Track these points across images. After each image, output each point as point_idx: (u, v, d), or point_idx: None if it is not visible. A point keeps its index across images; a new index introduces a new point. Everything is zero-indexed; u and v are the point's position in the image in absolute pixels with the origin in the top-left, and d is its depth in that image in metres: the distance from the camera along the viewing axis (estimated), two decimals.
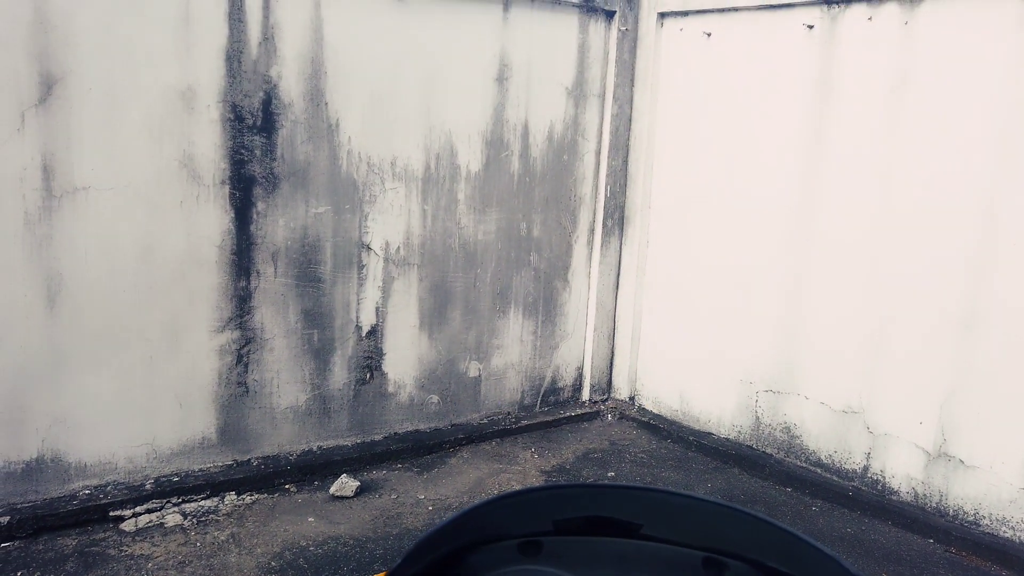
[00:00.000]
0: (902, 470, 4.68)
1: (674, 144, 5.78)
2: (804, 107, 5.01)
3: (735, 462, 5.31)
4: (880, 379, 4.74)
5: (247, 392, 4.70)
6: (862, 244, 4.78)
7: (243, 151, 4.47)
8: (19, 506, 4.05)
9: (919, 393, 4.57)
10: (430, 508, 4.54)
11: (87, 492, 4.24)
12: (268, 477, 4.63)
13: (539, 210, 5.68)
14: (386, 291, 5.13)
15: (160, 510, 4.24)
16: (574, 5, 5.57)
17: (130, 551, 3.89)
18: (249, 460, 4.73)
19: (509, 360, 5.76)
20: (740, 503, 4.44)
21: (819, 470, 5.04)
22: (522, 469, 5.13)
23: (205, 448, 4.61)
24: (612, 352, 6.23)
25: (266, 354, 4.73)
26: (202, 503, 4.36)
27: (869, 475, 4.83)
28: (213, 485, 4.45)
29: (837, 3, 4.81)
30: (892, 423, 4.70)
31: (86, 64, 3.98)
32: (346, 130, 4.79)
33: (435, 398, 5.47)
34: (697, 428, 5.72)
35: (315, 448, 4.97)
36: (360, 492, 4.61)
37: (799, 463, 5.15)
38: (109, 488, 4.29)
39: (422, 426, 5.41)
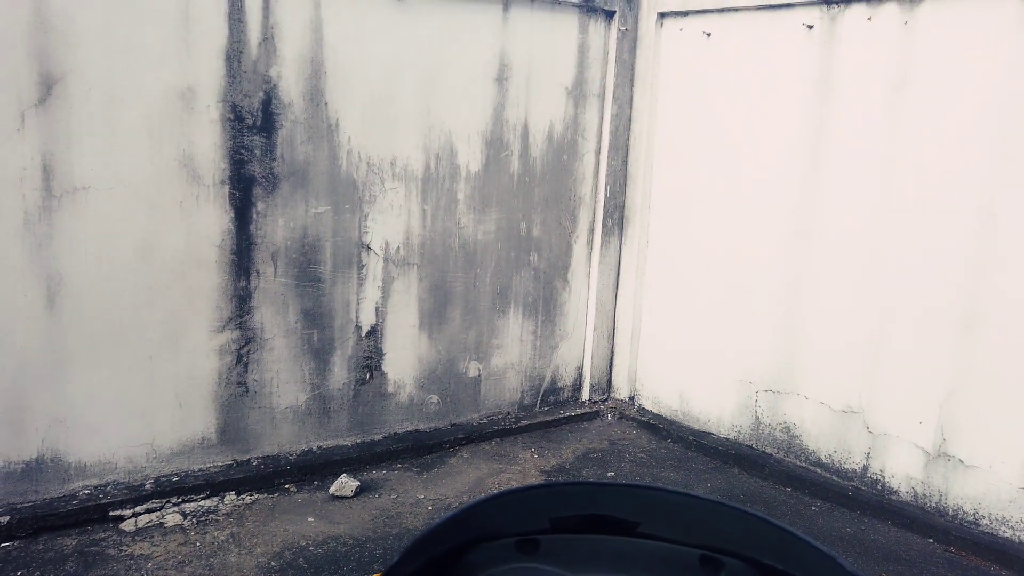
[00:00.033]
0: (902, 470, 4.68)
1: (674, 144, 5.78)
2: (804, 107, 5.01)
3: (735, 462, 5.31)
4: (880, 379, 4.74)
5: (247, 392, 4.71)
6: (861, 244, 4.78)
7: (243, 151, 4.48)
8: (19, 506, 4.05)
9: (919, 393, 4.57)
10: (430, 508, 4.54)
11: (87, 492, 4.24)
12: (268, 477, 4.64)
13: (539, 210, 5.69)
14: (386, 291, 5.13)
15: (160, 510, 4.24)
16: (574, 5, 5.57)
17: (130, 551, 3.89)
18: (249, 460, 4.74)
19: (509, 360, 5.76)
20: (740, 503, 4.45)
21: (819, 470, 5.04)
22: (522, 469, 5.13)
23: (205, 448, 4.61)
24: (612, 352, 6.23)
25: (266, 354, 4.73)
26: (202, 503, 4.36)
27: (869, 475, 4.83)
28: (213, 485, 4.45)
29: (837, 3, 4.81)
30: (892, 423, 4.71)
31: (86, 64, 3.98)
32: (346, 130, 4.79)
33: (435, 398, 5.47)
34: (697, 428, 5.72)
35: (315, 448, 4.97)
36: (360, 492, 4.61)
37: (799, 463, 5.15)
38: (109, 488, 4.29)
39: (422, 426, 5.41)
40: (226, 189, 4.45)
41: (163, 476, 4.46)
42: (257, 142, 4.51)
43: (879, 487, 4.78)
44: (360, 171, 4.89)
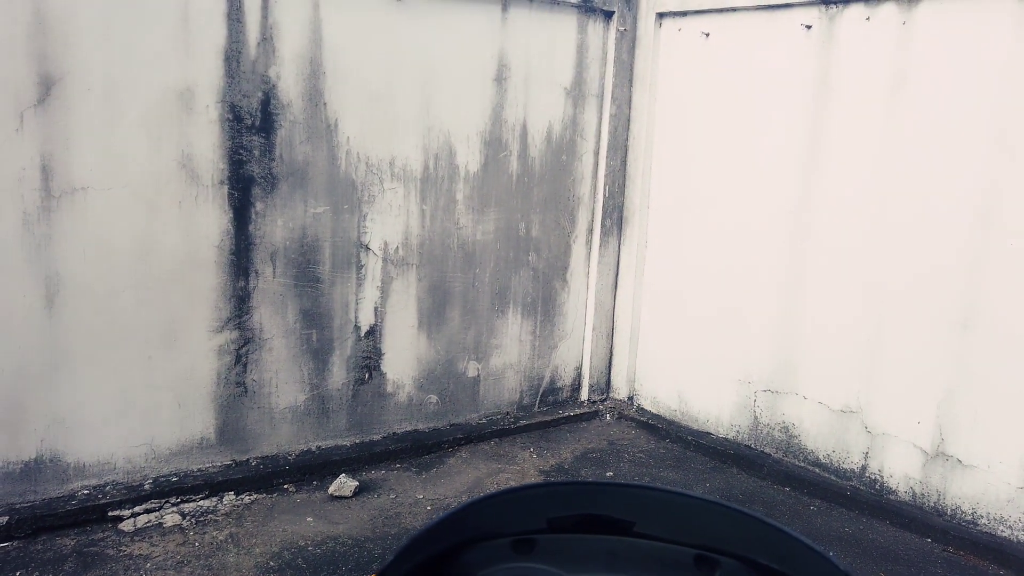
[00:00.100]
0: (900, 470, 4.69)
1: (672, 144, 5.78)
2: (802, 107, 5.01)
3: (733, 462, 5.31)
4: (878, 379, 4.74)
5: (246, 392, 4.71)
6: (860, 243, 4.79)
7: (242, 151, 4.48)
8: (18, 506, 4.05)
9: (917, 393, 4.58)
10: (428, 508, 4.55)
11: (86, 492, 4.24)
12: (267, 477, 4.64)
13: (538, 210, 5.69)
14: (385, 291, 5.13)
15: (159, 510, 4.24)
16: (572, 5, 5.58)
17: (129, 551, 3.90)
18: (248, 460, 4.74)
19: (508, 360, 5.77)
20: (738, 502, 4.45)
21: (817, 470, 5.05)
22: (521, 469, 5.13)
23: (204, 448, 4.62)
24: (611, 352, 6.24)
25: (265, 354, 4.73)
26: (201, 503, 4.37)
27: (867, 474, 4.83)
28: (212, 485, 4.46)
29: (835, 3, 4.82)
30: (890, 423, 4.71)
31: (85, 64, 3.98)
32: (345, 130, 4.79)
33: (434, 398, 5.48)
34: (696, 428, 5.72)
35: (314, 448, 4.97)
36: (359, 492, 4.62)
37: (797, 463, 5.15)
38: (108, 488, 4.30)
39: (421, 426, 5.42)
40: (225, 189, 4.46)
41: (162, 476, 4.46)
42: (256, 142, 4.52)
43: (877, 487, 4.78)
44: (359, 171, 4.89)
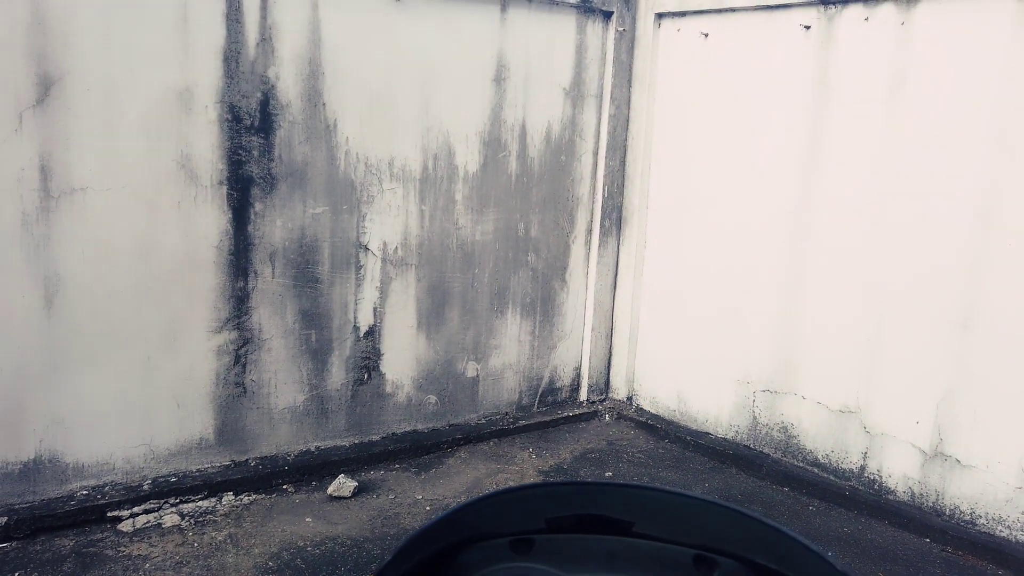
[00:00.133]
0: (899, 470, 4.69)
1: (671, 144, 5.79)
2: (801, 108, 5.01)
3: (732, 462, 5.32)
4: (877, 379, 4.75)
5: (245, 392, 4.71)
6: (859, 243, 4.79)
7: (241, 152, 4.48)
8: (16, 507, 4.05)
9: (916, 393, 4.58)
10: (428, 508, 4.54)
11: (85, 493, 4.24)
12: (266, 477, 4.64)
13: (537, 211, 5.69)
14: (384, 291, 5.13)
15: (158, 511, 4.24)
16: (572, 6, 5.58)
17: (128, 551, 3.90)
18: (247, 460, 4.74)
19: (507, 360, 5.77)
20: (737, 503, 4.45)
21: (816, 470, 5.05)
22: (520, 469, 5.14)
23: (203, 449, 4.62)
24: (610, 352, 6.24)
25: (264, 354, 4.73)
26: (200, 503, 4.37)
27: (866, 475, 4.83)
28: (211, 486, 4.46)
29: (834, 4, 4.82)
30: (889, 423, 4.71)
31: (84, 65, 3.98)
32: (344, 130, 4.79)
33: (433, 398, 5.48)
34: (695, 428, 5.73)
35: (313, 448, 4.97)
36: (358, 492, 4.62)
37: (796, 463, 5.16)
38: (107, 489, 4.29)
39: (420, 426, 5.42)
40: (224, 190, 4.46)
41: (161, 477, 4.46)
42: (255, 143, 4.52)
43: (876, 487, 4.79)
44: (358, 172, 4.89)
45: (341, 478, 4.65)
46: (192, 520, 4.22)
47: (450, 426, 5.52)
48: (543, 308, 5.88)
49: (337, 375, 5.04)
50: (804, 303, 5.08)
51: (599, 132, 5.89)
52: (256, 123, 4.50)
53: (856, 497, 4.74)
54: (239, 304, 4.61)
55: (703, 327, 5.64)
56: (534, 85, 5.50)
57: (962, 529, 4.38)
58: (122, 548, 3.92)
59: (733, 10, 5.31)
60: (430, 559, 1.11)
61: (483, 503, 1.17)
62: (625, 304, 6.11)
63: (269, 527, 4.21)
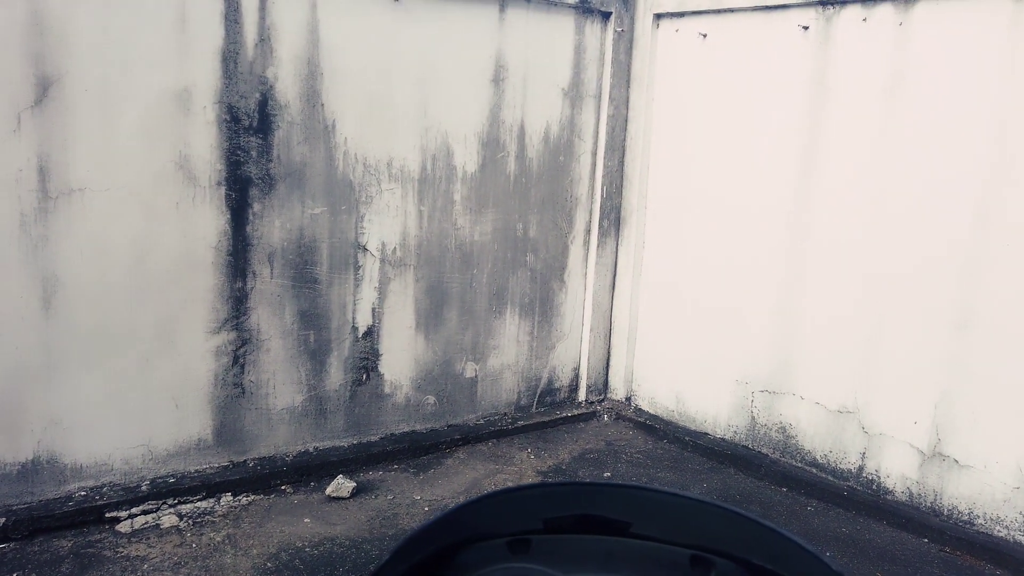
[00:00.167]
0: (897, 470, 4.69)
1: (670, 145, 5.79)
2: (799, 108, 5.02)
3: (731, 462, 5.32)
4: (875, 379, 4.75)
5: (243, 393, 4.71)
6: (857, 244, 4.79)
7: (239, 152, 4.48)
8: (14, 507, 4.05)
9: (914, 393, 4.58)
10: (426, 509, 4.54)
11: (83, 493, 4.24)
12: (264, 478, 4.64)
13: (535, 211, 5.69)
14: (382, 292, 5.13)
15: (156, 511, 4.24)
16: (570, 6, 5.58)
17: (126, 552, 3.89)
18: (245, 461, 4.74)
19: (505, 361, 5.77)
20: (735, 503, 4.45)
21: (814, 470, 5.05)
22: (518, 470, 5.14)
23: (201, 449, 4.61)
24: (608, 352, 6.24)
25: (262, 355, 4.73)
26: (198, 504, 4.37)
27: (864, 475, 4.84)
28: (209, 486, 4.45)
29: (832, 4, 4.82)
30: (887, 423, 4.72)
31: (82, 65, 3.98)
32: (342, 131, 4.79)
33: (431, 399, 5.48)
34: (693, 428, 5.73)
35: (311, 449, 4.97)
36: (356, 493, 4.62)
37: (795, 463, 5.16)
38: (105, 489, 4.29)
39: (418, 427, 5.42)
40: (222, 190, 4.46)
41: (159, 477, 4.46)
42: (253, 143, 4.52)
43: (874, 487, 4.79)
44: (357, 172, 4.89)
45: (339, 479, 4.65)
46: (190, 521, 4.22)
47: (449, 427, 5.52)
48: (542, 308, 5.88)
49: (335, 376, 5.04)
50: (802, 303, 5.08)
51: (597, 132, 5.90)
52: (254, 124, 4.50)
53: (854, 497, 4.75)
54: (237, 305, 4.60)
55: (701, 327, 5.65)
56: (533, 85, 5.50)
57: (960, 529, 4.38)
58: (120, 549, 3.92)
59: (731, 11, 5.32)
60: (427, 559, 1.12)
61: (480, 504, 1.17)
62: (624, 304, 6.11)
63: (267, 528, 4.21)
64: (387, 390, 5.27)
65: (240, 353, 4.66)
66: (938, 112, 4.42)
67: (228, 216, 4.50)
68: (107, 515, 4.14)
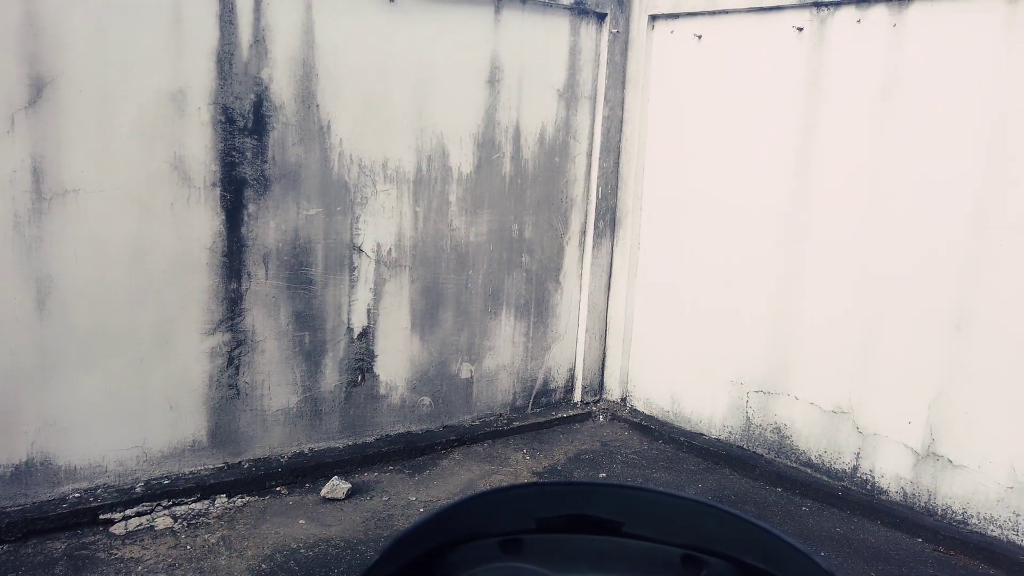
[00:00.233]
0: (891, 470, 4.70)
1: (665, 146, 5.80)
2: (794, 109, 5.03)
3: (726, 462, 5.32)
4: (869, 379, 4.76)
5: (238, 394, 4.70)
6: (852, 245, 4.81)
7: (234, 153, 4.47)
8: (8, 509, 4.03)
9: (908, 393, 4.59)
10: (421, 510, 4.54)
11: (77, 495, 4.23)
12: (259, 479, 4.63)
13: (531, 212, 5.69)
14: (377, 293, 5.13)
15: (150, 513, 4.23)
16: (565, 7, 5.59)
17: (120, 554, 3.88)
18: (240, 462, 4.73)
19: (501, 362, 5.77)
20: (730, 503, 4.46)
21: (809, 470, 5.06)
22: (514, 470, 5.14)
23: (196, 451, 4.61)
24: (604, 353, 6.24)
25: (257, 356, 4.73)
26: (192, 506, 4.36)
27: (859, 475, 4.85)
28: (203, 488, 4.45)
29: (826, 6, 4.84)
30: (881, 423, 4.73)
31: (77, 66, 3.97)
32: (337, 132, 4.79)
33: (427, 400, 5.47)
34: (688, 429, 5.73)
35: (306, 450, 4.97)
36: (351, 494, 4.61)
37: (789, 463, 5.17)
38: (99, 491, 4.28)
39: (414, 428, 5.41)
40: (217, 191, 4.45)
41: (153, 479, 4.45)
42: (248, 144, 4.51)
43: (869, 487, 4.80)
44: (352, 173, 4.89)
45: (335, 480, 4.64)
46: (185, 522, 4.21)
47: (444, 427, 5.52)
48: (537, 309, 5.88)
49: (331, 377, 5.03)
50: (797, 304, 5.09)
51: (593, 133, 5.90)
52: (249, 125, 4.50)
53: (849, 497, 4.76)
54: (232, 306, 4.60)
55: (697, 327, 5.65)
56: (528, 87, 5.51)
57: (954, 529, 4.39)
58: (114, 551, 3.91)
59: (726, 12, 5.33)
60: (418, 559, 1.11)
61: (472, 503, 1.17)
62: (619, 305, 6.12)
63: (262, 529, 4.20)
64: (382, 391, 5.27)
65: (235, 354, 4.65)
66: (934, 113, 4.43)
67: (223, 217, 4.49)
68: (101, 517, 4.13)
